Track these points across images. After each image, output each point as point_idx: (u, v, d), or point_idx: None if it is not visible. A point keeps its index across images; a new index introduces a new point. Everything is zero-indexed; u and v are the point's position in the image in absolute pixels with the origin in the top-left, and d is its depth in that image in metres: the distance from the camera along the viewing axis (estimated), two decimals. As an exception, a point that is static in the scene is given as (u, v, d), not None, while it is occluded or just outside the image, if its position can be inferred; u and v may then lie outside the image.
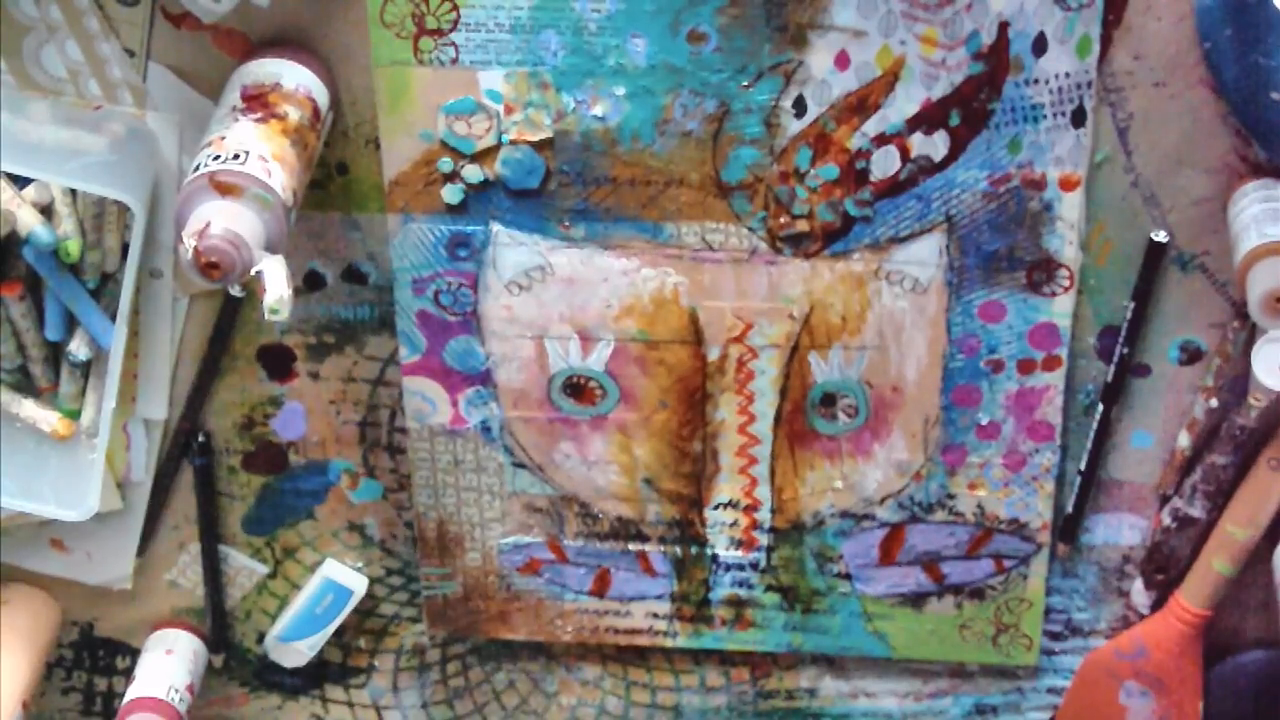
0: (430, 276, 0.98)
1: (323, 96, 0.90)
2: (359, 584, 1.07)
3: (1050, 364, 0.97)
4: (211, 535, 1.07)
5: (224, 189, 0.83)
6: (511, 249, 0.97)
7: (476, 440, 1.02)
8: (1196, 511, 0.99)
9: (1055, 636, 1.06)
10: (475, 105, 0.93)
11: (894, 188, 0.93)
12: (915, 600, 1.05)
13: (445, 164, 0.94)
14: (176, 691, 1.06)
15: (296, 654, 1.09)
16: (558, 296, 0.97)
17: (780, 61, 0.90)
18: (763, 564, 1.05)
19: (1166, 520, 1.00)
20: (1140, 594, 1.03)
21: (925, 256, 0.95)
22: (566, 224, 0.96)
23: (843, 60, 0.90)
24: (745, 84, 0.91)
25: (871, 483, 1.02)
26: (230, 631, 1.11)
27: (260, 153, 0.85)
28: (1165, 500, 1.00)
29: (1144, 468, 1.00)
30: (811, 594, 1.05)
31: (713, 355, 0.99)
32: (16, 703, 1.02)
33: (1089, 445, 0.99)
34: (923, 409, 0.99)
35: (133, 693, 1.05)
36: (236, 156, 0.84)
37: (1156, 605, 1.03)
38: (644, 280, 0.97)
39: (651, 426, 1.01)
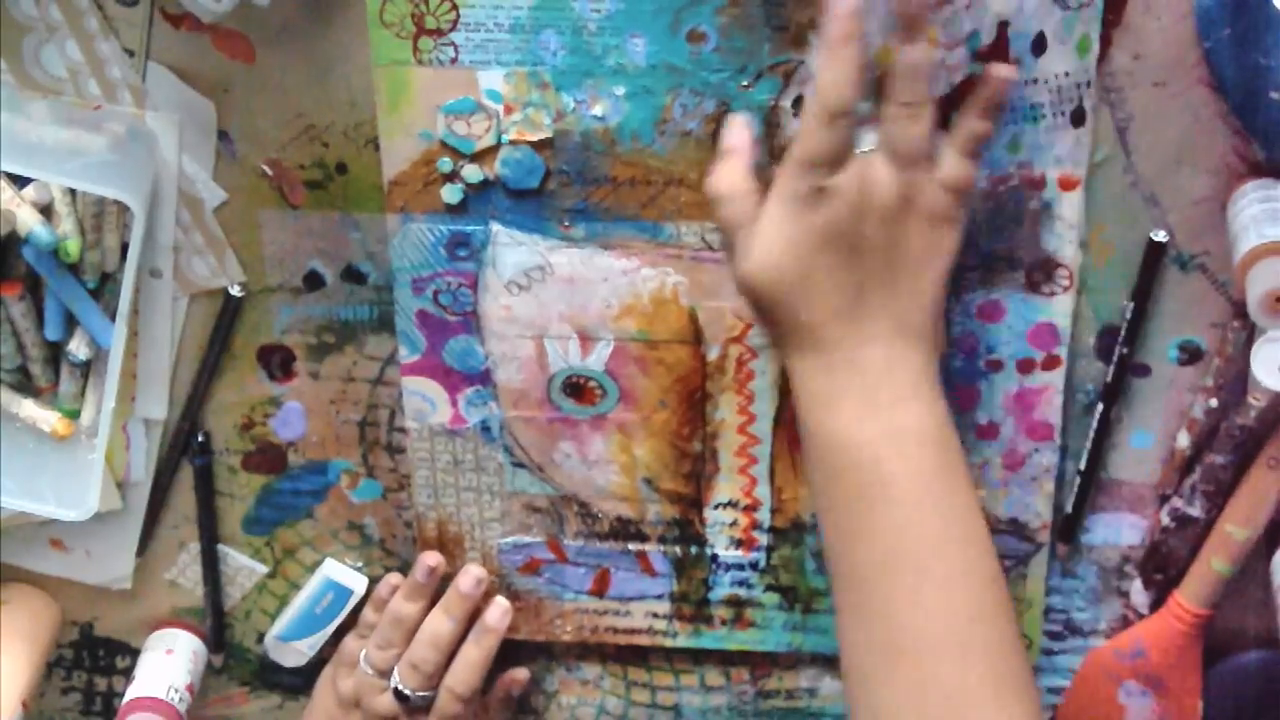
0: (430, 276, 0.98)
1: None
2: (359, 584, 1.07)
3: (1050, 364, 0.97)
4: (211, 535, 1.07)
5: None
6: (511, 249, 0.97)
7: (476, 440, 1.02)
8: (1196, 511, 0.99)
9: (1055, 636, 1.06)
10: (475, 105, 0.92)
11: (894, 188, 0.93)
12: (915, 600, 1.05)
13: (445, 164, 0.94)
14: (176, 691, 1.06)
15: (296, 654, 1.09)
16: (557, 296, 0.97)
17: (780, 61, 0.90)
18: (762, 564, 1.05)
19: (1166, 520, 1.00)
20: (1140, 594, 1.03)
21: (925, 256, 0.95)
22: (566, 224, 0.96)
23: (842, 60, 0.90)
24: (745, 84, 0.91)
25: (871, 482, 1.02)
26: (230, 631, 1.11)
27: None
28: (1165, 500, 1.00)
29: (1143, 467, 1.00)
30: (811, 594, 1.05)
31: (712, 355, 0.99)
32: (16, 703, 1.02)
33: (1088, 445, 0.99)
34: (922, 409, 0.99)
35: (133, 692, 1.05)
36: None
37: (1156, 605, 1.03)
38: (644, 280, 0.97)
39: (651, 426, 1.01)
